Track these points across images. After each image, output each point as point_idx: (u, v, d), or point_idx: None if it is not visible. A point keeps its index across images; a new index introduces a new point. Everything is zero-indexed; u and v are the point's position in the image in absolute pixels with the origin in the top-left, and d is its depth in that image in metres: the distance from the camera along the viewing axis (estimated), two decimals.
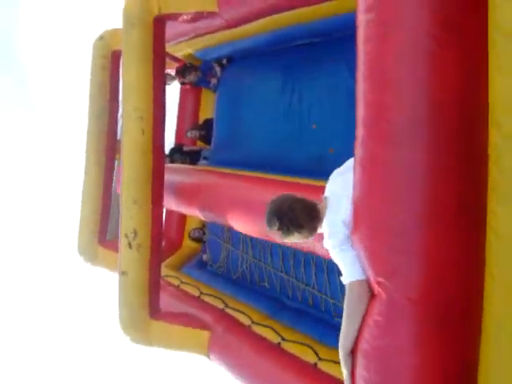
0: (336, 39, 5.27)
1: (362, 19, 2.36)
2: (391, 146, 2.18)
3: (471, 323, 2.18)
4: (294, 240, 2.73)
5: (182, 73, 7.72)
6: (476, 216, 2.14)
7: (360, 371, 2.36)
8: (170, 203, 6.01)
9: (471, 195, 2.13)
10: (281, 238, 2.71)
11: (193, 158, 7.66)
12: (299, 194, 2.79)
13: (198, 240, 7.65)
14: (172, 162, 7.55)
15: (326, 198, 2.82)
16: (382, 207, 2.24)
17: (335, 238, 2.54)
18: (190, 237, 7.74)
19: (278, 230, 2.65)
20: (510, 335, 2.10)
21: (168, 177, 5.70)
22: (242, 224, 5.00)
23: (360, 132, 2.35)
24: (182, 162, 7.50)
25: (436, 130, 2.09)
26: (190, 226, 7.85)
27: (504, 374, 2.14)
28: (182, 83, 8.15)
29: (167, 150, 7.76)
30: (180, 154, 7.71)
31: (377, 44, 2.25)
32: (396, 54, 2.18)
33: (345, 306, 2.49)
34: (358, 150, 2.37)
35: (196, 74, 7.62)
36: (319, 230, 2.76)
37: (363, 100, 2.33)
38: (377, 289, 2.27)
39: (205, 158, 7.53)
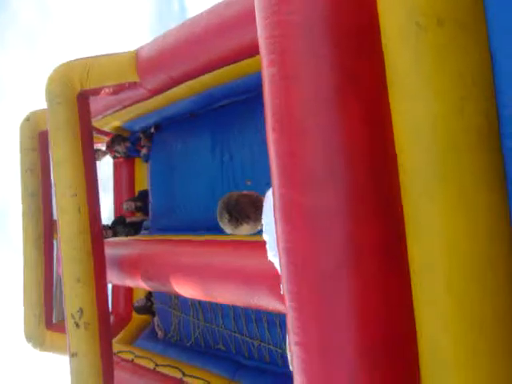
0: (257, 95, 5.39)
1: (266, 74, 2.44)
2: (306, 192, 2.24)
3: (406, 361, 2.21)
4: (244, 232, 3.06)
5: (111, 145, 7.73)
6: (397, 256, 2.20)
7: None
8: (113, 277, 5.90)
9: (391, 236, 2.19)
10: (232, 231, 3.02)
11: (136, 229, 7.60)
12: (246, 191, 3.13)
13: (142, 310, 7.45)
14: (115, 234, 7.47)
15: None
16: (307, 253, 2.27)
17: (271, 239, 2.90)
18: (134, 308, 7.55)
19: (229, 221, 2.96)
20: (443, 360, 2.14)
21: (109, 251, 5.61)
22: (187, 288, 4.95)
23: (275, 179, 2.41)
24: (127, 235, 7.42)
25: (349, 175, 2.17)
26: (137, 296, 7.72)
27: None
28: (114, 157, 8.15)
29: (109, 222, 7.71)
30: (123, 225, 7.64)
31: (282, 96, 2.32)
32: (300, 104, 2.26)
33: None
34: (276, 198, 2.42)
35: (125, 144, 7.65)
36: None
37: (274, 151, 2.39)
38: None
39: (146, 229, 7.47)
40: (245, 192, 3.13)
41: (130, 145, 7.71)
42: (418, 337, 2.20)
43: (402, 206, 2.20)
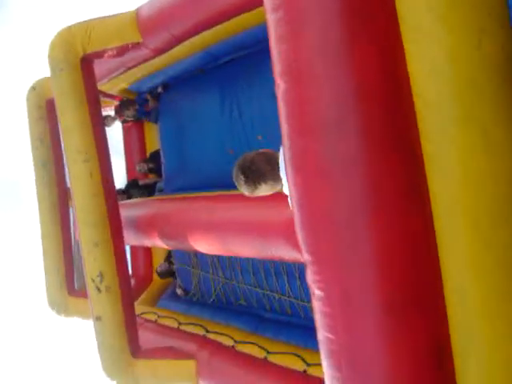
0: (264, 48, 5.32)
1: (270, 19, 2.37)
2: (319, 138, 2.18)
3: (434, 303, 2.17)
4: (263, 192, 2.93)
5: (119, 110, 7.70)
6: (419, 199, 2.14)
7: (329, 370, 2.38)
8: (131, 239, 5.94)
9: (411, 177, 2.13)
10: (250, 193, 2.91)
11: (150, 191, 7.62)
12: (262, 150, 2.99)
13: (166, 274, 7.53)
14: (129, 197, 7.49)
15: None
16: (323, 202, 2.22)
17: None
18: (157, 273, 7.63)
19: (245, 183, 2.85)
20: (472, 307, 2.10)
21: (125, 213, 5.63)
22: (204, 244, 4.97)
23: (285, 129, 2.36)
24: (141, 197, 7.44)
25: (364, 117, 2.10)
26: (157, 258, 7.77)
27: (475, 349, 2.12)
28: (124, 121, 8.12)
29: (122, 186, 7.72)
30: (137, 188, 7.66)
31: (289, 42, 2.25)
32: (310, 49, 2.19)
33: None
34: (287, 148, 2.37)
35: (133, 107, 7.62)
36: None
37: (284, 98, 2.34)
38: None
39: (160, 191, 7.48)
40: (260, 150, 3.00)
41: (138, 107, 7.67)
42: (444, 283, 2.16)
43: (420, 146, 2.13)
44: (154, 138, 8.07)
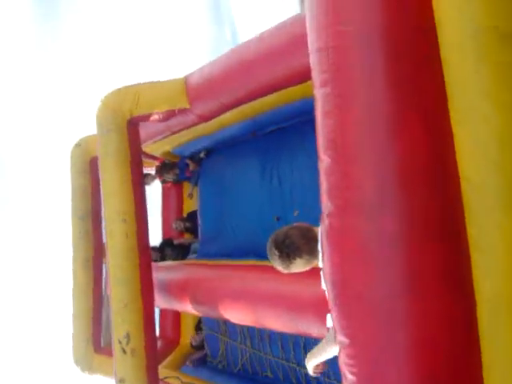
0: (307, 120, 5.36)
1: (318, 94, 2.37)
2: (360, 216, 2.14)
3: None
4: (298, 268, 2.79)
5: (160, 172, 7.80)
6: (462, 282, 2.08)
7: None
8: (161, 301, 5.90)
9: (454, 259, 2.07)
10: (285, 268, 2.78)
11: (184, 251, 7.61)
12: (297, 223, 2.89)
13: (201, 346, 7.41)
14: (163, 256, 7.48)
15: None
16: (360, 283, 2.17)
17: None
18: (192, 347, 7.51)
19: (279, 258, 2.73)
20: None
21: (157, 275, 5.61)
22: (235, 313, 4.91)
23: (325, 204, 2.32)
24: (175, 257, 7.43)
25: (408, 197, 2.07)
26: (186, 321, 7.68)
27: None
28: (163, 181, 8.21)
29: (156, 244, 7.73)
30: (171, 248, 7.65)
31: (336, 117, 2.24)
32: (356, 125, 2.18)
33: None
34: (325, 222, 2.32)
35: (174, 171, 7.71)
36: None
37: (327, 172, 2.31)
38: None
39: (194, 252, 7.47)
40: (295, 224, 2.93)
41: (178, 171, 7.76)
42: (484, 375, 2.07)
43: (465, 231, 2.07)
44: (191, 200, 8.11)
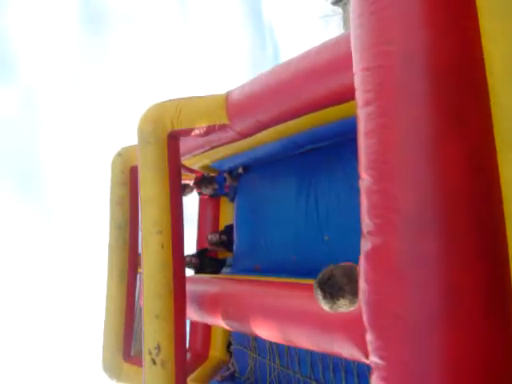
0: (345, 141, 5.36)
1: (361, 113, 2.39)
2: (401, 237, 2.13)
3: None
4: (343, 308, 2.81)
5: (198, 186, 7.87)
6: (504, 306, 2.05)
7: None
8: (193, 314, 5.93)
9: (495, 282, 2.05)
10: (329, 308, 2.83)
11: (220, 264, 7.65)
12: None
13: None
14: (201, 265, 7.51)
15: None
16: (399, 304, 2.16)
17: None
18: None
19: (323, 298, 2.80)
20: None
21: (189, 287, 5.66)
22: (265, 330, 4.89)
23: (366, 223, 2.32)
24: (212, 267, 7.48)
25: (448, 220, 2.06)
26: (216, 336, 7.69)
27: None
28: (200, 193, 8.28)
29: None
30: (209, 258, 7.70)
31: (378, 136, 2.25)
32: (398, 145, 2.18)
33: None
34: (365, 241, 2.33)
35: (212, 186, 7.78)
36: None
37: (367, 191, 2.31)
38: None
39: (228, 266, 7.50)
40: (340, 264, 2.96)
41: (217, 187, 7.82)
42: None
43: (508, 255, 2.07)
44: (228, 213, 8.19)
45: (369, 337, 2.33)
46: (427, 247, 2.06)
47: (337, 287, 2.77)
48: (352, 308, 2.83)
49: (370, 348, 2.33)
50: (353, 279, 2.78)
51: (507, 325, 2.02)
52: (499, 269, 2.05)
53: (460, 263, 2.03)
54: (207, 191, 7.87)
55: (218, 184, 7.84)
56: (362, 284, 2.39)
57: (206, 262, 7.66)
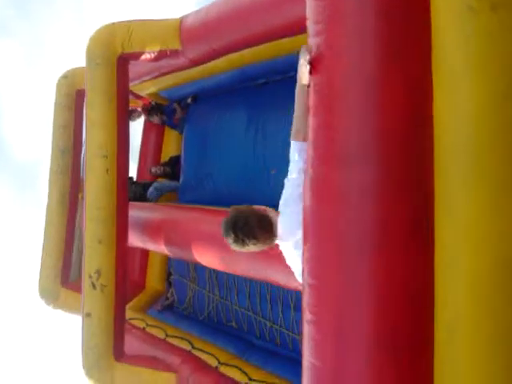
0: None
1: (311, 43, 2.40)
2: (339, 168, 2.20)
3: (423, 351, 2.16)
4: (251, 250, 2.86)
5: (147, 114, 7.71)
6: (424, 239, 2.15)
7: None
8: (136, 240, 5.92)
9: (420, 217, 2.15)
10: (237, 249, 2.85)
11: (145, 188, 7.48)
12: (255, 206, 2.93)
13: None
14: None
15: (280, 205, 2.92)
16: (333, 225, 2.24)
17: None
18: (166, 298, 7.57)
19: (234, 242, 2.80)
20: (459, 357, 2.08)
21: (133, 213, 5.65)
22: (206, 257, 4.96)
23: (310, 153, 2.38)
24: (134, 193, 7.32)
25: (384, 152, 2.13)
26: (153, 267, 7.74)
27: None
28: (148, 120, 8.10)
29: None
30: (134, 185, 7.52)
31: (324, 68, 2.28)
32: (343, 79, 2.21)
33: None
34: (308, 171, 2.39)
35: (161, 117, 7.63)
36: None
37: (313, 125, 2.35)
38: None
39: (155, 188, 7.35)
40: (255, 208, 2.95)
41: (166, 118, 7.67)
42: (436, 333, 2.15)
43: (433, 191, 2.14)
44: (172, 142, 8.09)
45: (305, 259, 2.40)
46: (363, 178, 2.14)
47: (251, 235, 2.78)
48: (258, 250, 2.90)
49: (305, 269, 2.40)
50: (267, 229, 2.83)
51: (427, 250, 2.15)
52: (425, 200, 2.15)
53: (391, 193, 2.12)
54: (155, 120, 7.72)
55: (166, 116, 7.70)
56: (304, 213, 2.45)
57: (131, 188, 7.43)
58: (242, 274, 4.81)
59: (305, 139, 2.52)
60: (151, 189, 7.32)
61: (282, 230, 2.85)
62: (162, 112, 7.67)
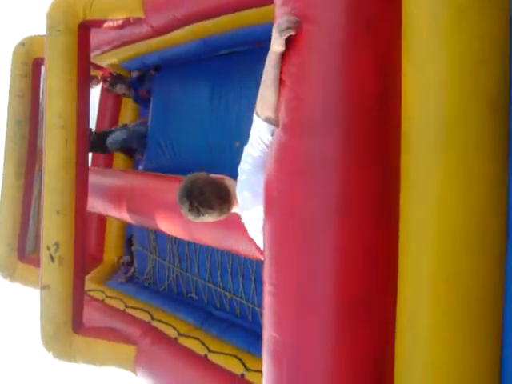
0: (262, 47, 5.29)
1: (278, 13, 2.37)
2: (303, 136, 2.19)
3: (385, 320, 2.19)
4: (205, 220, 2.78)
5: (111, 85, 7.52)
6: (388, 212, 2.17)
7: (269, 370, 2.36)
8: (97, 207, 5.86)
9: (384, 190, 2.16)
10: (192, 219, 2.77)
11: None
12: (212, 175, 2.83)
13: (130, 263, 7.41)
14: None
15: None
16: (294, 196, 2.22)
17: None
18: (122, 264, 7.51)
19: (189, 211, 2.71)
20: (421, 331, 2.12)
21: (93, 179, 5.60)
22: (168, 224, 4.95)
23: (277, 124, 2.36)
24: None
25: (350, 123, 2.11)
26: (110, 239, 7.72)
27: (417, 371, 2.15)
28: (108, 90, 7.91)
29: None
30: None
31: (293, 37, 2.25)
32: (309, 46, 2.19)
33: None
34: (273, 141, 2.37)
35: (124, 87, 7.45)
36: (233, 210, 2.85)
37: (282, 93, 2.33)
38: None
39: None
40: (211, 178, 2.83)
41: (133, 91, 7.50)
42: (398, 304, 2.18)
43: (399, 164, 2.15)
44: (126, 112, 8.03)
45: (265, 230, 2.38)
46: (326, 147, 2.11)
47: (206, 205, 2.70)
48: (213, 220, 2.83)
49: (265, 241, 2.39)
50: (224, 199, 2.76)
51: (391, 224, 2.16)
52: (389, 173, 2.15)
53: (354, 165, 2.11)
54: (117, 90, 7.54)
55: (133, 89, 7.52)
56: (264, 183, 2.41)
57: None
58: (205, 243, 4.80)
59: (266, 114, 2.48)
60: (117, 132, 7.21)
61: (241, 201, 2.77)
62: (128, 84, 7.50)
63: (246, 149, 2.73)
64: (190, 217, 2.76)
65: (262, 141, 2.52)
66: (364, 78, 2.13)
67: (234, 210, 2.85)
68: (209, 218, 2.76)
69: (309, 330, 2.20)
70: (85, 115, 5.21)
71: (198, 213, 2.71)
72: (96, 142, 7.00)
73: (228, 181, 2.86)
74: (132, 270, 7.18)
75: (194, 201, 2.68)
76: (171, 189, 4.90)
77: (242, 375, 4.55)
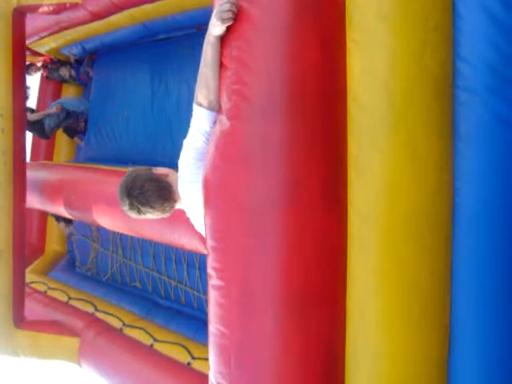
0: (201, 32, 5.22)
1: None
2: (247, 120, 2.10)
3: (334, 310, 2.17)
4: (148, 218, 2.65)
5: (53, 71, 7.30)
6: (336, 200, 2.13)
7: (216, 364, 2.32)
8: (35, 202, 5.70)
9: (332, 177, 2.11)
10: (133, 216, 2.62)
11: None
12: (154, 170, 2.65)
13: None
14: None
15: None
16: (239, 185, 2.13)
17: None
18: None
19: (129, 209, 2.56)
20: (371, 320, 2.12)
21: (31, 174, 5.43)
22: (109, 220, 4.82)
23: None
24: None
25: (295, 106, 2.04)
26: (51, 230, 7.54)
27: (368, 360, 2.16)
28: (48, 77, 7.68)
29: None
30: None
31: (235, 21, 2.14)
32: (253, 28, 2.12)
33: None
34: (216, 125, 2.26)
35: (67, 70, 7.25)
36: (177, 207, 2.70)
37: (222, 77, 2.24)
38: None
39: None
40: (154, 174, 2.63)
41: (75, 74, 7.31)
42: (348, 293, 2.16)
43: (346, 148, 2.12)
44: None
45: (208, 221, 2.31)
46: (272, 133, 2.02)
47: (147, 204, 2.55)
48: (155, 218, 2.68)
49: (207, 232, 2.32)
50: (166, 197, 2.60)
51: (339, 210, 2.13)
52: (337, 157, 2.12)
53: (300, 150, 2.05)
54: (64, 74, 7.32)
55: (75, 71, 7.32)
56: (207, 171, 2.33)
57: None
58: (148, 238, 4.73)
59: (209, 98, 2.39)
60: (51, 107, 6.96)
61: (185, 197, 2.61)
62: (69, 67, 7.30)
63: (186, 142, 2.59)
64: (132, 215, 2.61)
65: (204, 130, 2.44)
66: (309, 61, 2.06)
67: (178, 206, 2.77)
68: (150, 216, 2.62)
69: (256, 322, 2.13)
70: (21, 104, 5.05)
71: (139, 212, 2.56)
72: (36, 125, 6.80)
73: (172, 175, 2.72)
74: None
75: (133, 200, 2.54)
76: (112, 182, 4.80)
77: (189, 363, 4.53)
